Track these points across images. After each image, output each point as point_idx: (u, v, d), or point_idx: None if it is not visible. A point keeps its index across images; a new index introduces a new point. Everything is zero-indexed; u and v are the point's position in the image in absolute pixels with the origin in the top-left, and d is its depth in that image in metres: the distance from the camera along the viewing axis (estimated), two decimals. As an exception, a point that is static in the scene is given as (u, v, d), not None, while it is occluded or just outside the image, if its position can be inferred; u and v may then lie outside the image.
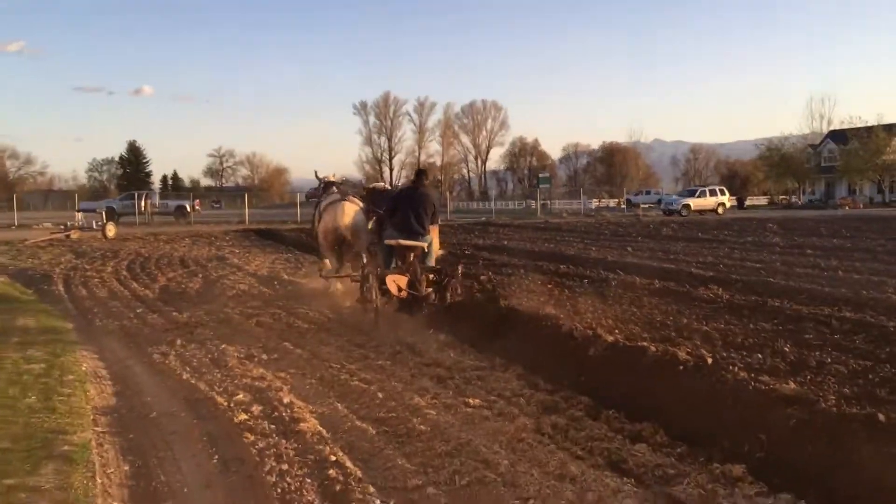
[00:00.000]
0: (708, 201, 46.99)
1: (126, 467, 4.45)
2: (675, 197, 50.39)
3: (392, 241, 9.10)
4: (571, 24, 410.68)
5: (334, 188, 11.39)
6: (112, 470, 4.37)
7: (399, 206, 9.24)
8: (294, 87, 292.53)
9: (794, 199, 70.68)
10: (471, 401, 5.52)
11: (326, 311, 9.89)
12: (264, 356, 7.26)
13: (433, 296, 9.05)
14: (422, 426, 4.95)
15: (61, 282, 13.89)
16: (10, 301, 11.21)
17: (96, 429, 5.08)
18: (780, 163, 66.74)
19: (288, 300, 11.00)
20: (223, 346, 7.72)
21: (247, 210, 42.70)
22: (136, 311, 10.24)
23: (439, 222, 10.32)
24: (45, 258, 19.54)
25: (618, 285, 11.31)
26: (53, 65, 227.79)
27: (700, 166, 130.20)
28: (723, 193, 48.51)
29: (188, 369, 6.78)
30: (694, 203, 46.47)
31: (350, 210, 10.50)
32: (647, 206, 70.23)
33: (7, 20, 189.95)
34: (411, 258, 9.04)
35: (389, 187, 12.02)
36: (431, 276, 9.21)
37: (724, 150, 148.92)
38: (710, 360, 5.88)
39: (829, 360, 6.30)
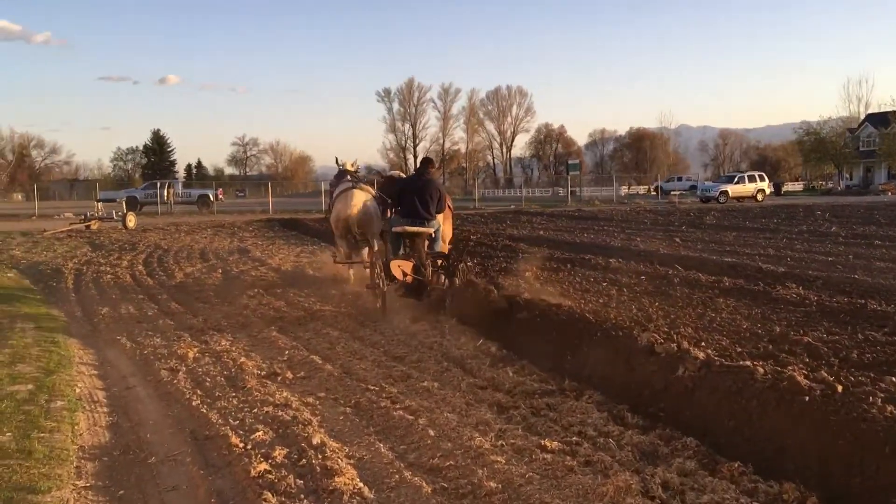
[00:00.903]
0: (747, 188, 45.19)
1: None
2: (712, 183, 48.59)
3: (398, 228, 9.21)
4: (597, 9, 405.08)
5: (348, 176, 11.25)
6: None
7: (405, 193, 9.40)
8: (318, 74, 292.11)
9: (832, 184, 68.34)
10: (547, 443, 4.39)
11: (358, 315, 8.80)
12: (289, 374, 6.18)
13: (442, 280, 9.10)
14: (490, 482, 3.83)
15: (72, 278, 12.95)
16: (12, 300, 10.25)
17: (77, 483, 4.02)
18: (819, 147, 64.45)
19: (314, 300, 9.95)
20: (242, 359, 6.66)
21: (270, 199, 41.80)
22: (147, 315, 9.22)
23: (452, 208, 10.59)
24: (61, 250, 18.68)
25: (681, 283, 10.11)
26: (79, 55, 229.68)
27: (730, 152, 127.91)
28: (762, 179, 46.60)
29: (200, 392, 5.72)
30: (732, 190, 44.72)
31: (360, 197, 10.35)
32: (678, 192, 68.48)
33: (34, 11, 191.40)
34: (419, 244, 9.13)
35: (405, 175, 11.60)
36: (440, 261, 9.30)
37: (752, 136, 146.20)
38: (839, 388, 4.70)
39: None
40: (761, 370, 5.07)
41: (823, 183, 70.36)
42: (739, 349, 6.19)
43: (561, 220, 28.43)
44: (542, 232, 21.47)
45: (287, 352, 6.99)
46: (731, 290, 9.42)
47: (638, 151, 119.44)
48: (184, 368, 6.45)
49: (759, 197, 44.83)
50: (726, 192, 44.32)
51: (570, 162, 61.85)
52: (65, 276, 13.13)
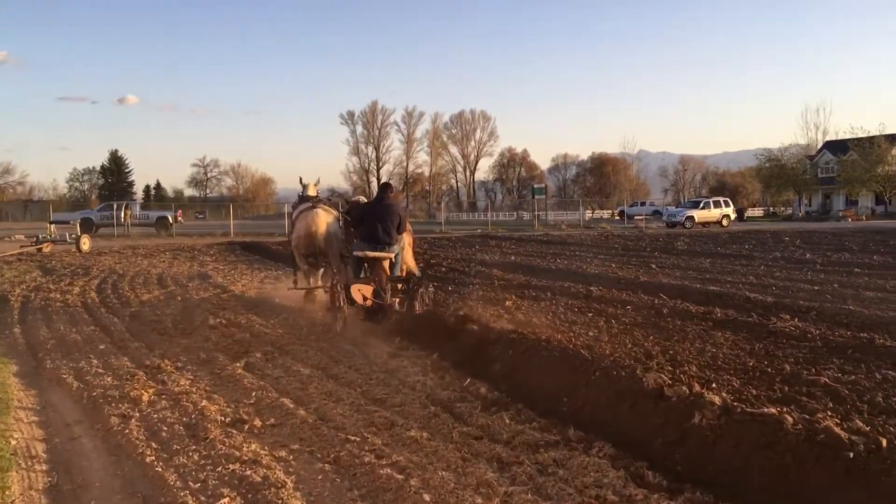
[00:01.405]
0: (712, 213, 45.43)
1: None
2: (678, 209, 48.81)
3: (359, 253, 9.33)
4: (558, 36, 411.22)
5: (310, 199, 11.24)
6: None
7: (366, 217, 9.53)
8: (280, 95, 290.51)
9: (792, 210, 69.27)
10: (563, 512, 3.79)
11: (330, 349, 8.12)
12: (257, 421, 5.49)
13: (400, 305, 9.33)
14: (504, 565, 3.21)
15: (18, 307, 12.02)
16: (-52, 333, 9.38)
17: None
18: (780, 173, 65.40)
19: (282, 332, 9.24)
20: (203, 403, 5.95)
21: (231, 221, 40.75)
22: (98, 349, 8.42)
23: (412, 232, 10.76)
24: (9, 275, 17.62)
25: (671, 314, 9.65)
26: (37, 75, 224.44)
27: (689, 177, 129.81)
28: (727, 205, 46.94)
29: (155, 444, 5.00)
30: (698, 215, 44.90)
31: (323, 217, 10.46)
32: (641, 217, 68.83)
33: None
34: (379, 268, 9.30)
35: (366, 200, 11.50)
36: (400, 285, 9.52)
37: (710, 162, 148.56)
38: (883, 441, 4.20)
39: None
40: (790, 419, 4.57)
41: (783, 209, 71.29)
42: (754, 391, 5.69)
43: (530, 244, 28.02)
44: (513, 257, 20.98)
45: (254, 393, 6.29)
46: (726, 323, 8.97)
47: (600, 176, 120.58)
48: (137, 414, 5.72)
49: (725, 222, 45.09)
50: (692, 217, 44.48)
51: (535, 186, 61.74)
52: (10, 305, 12.21)
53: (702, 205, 46.31)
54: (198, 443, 5.01)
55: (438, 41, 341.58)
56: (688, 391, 5.31)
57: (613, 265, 17.63)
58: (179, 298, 12.59)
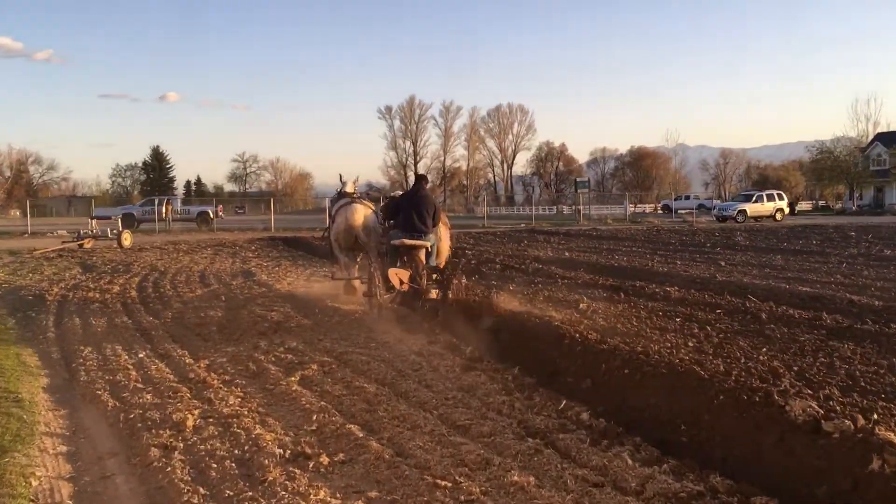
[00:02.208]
0: (765, 207, 43.62)
1: None
2: (729, 202, 47.01)
3: (397, 242, 9.41)
4: (597, 28, 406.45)
5: (347, 195, 11.54)
6: None
7: (401, 208, 9.70)
8: (318, 91, 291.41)
9: (843, 204, 66.61)
10: None
11: (395, 360, 7.21)
12: (323, 457, 4.57)
13: (436, 293, 9.45)
14: None
15: (55, 307, 11.35)
16: (-21, 338, 8.68)
17: None
18: (832, 166, 62.97)
19: (337, 338, 8.36)
20: (257, 430, 5.07)
21: (272, 216, 40.24)
22: (137, 357, 7.61)
23: (448, 224, 10.82)
24: (49, 272, 17.10)
25: (771, 319, 8.56)
26: (80, 72, 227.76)
27: (730, 171, 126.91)
28: (781, 199, 44.96)
29: (203, 488, 4.12)
30: (750, 209, 43.12)
31: (361, 211, 10.82)
32: (686, 211, 66.93)
33: (36, 29, 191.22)
34: (416, 256, 9.41)
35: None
36: (435, 275, 9.62)
37: (750, 155, 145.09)
38: None
39: None
40: None
41: (835, 203, 68.69)
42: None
43: (579, 239, 26.91)
44: (567, 253, 19.90)
45: (315, 416, 5.39)
46: (841, 331, 7.86)
47: (639, 170, 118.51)
48: (181, 445, 4.86)
49: (778, 216, 43.29)
50: (744, 211, 42.74)
51: (578, 180, 60.24)
52: (47, 305, 11.54)
53: (754, 198, 44.43)
54: (254, 486, 4.12)
55: (476, 35, 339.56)
56: (852, 426, 4.29)
57: (678, 262, 16.49)
58: (223, 298, 11.80)
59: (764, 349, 6.91)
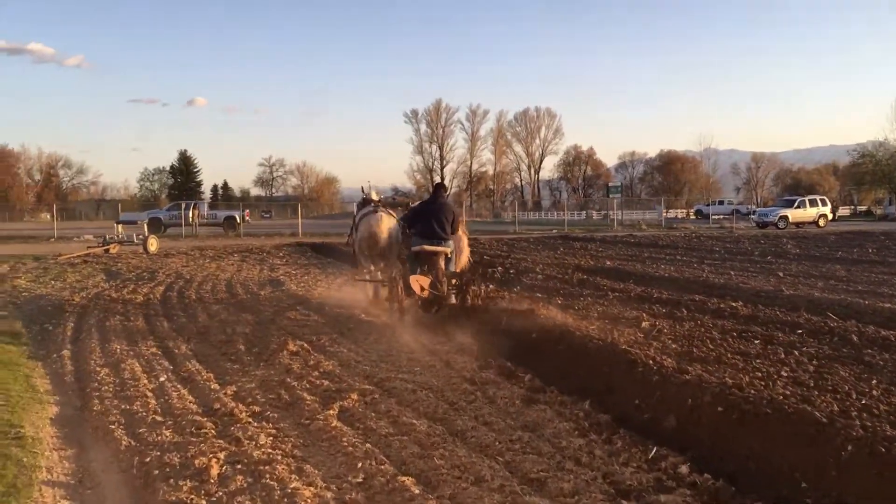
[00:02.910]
0: (808, 212, 42.13)
1: None
2: (770, 208, 45.59)
3: (417, 248, 9.63)
4: (625, 32, 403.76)
5: (372, 203, 11.84)
6: None
7: (422, 216, 9.87)
8: (345, 95, 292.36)
9: (885, 209, 64.48)
10: None
11: (445, 389, 6.38)
12: (375, 519, 3.76)
13: (454, 298, 9.62)
14: None
15: (74, 319, 10.69)
16: (-10, 354, 7.99)
17: None
18: (875, 170, 61.14)
19: (376, 360, 7.57)
20: (293, 481, 4.26)
21: (300, 221, 39.64)
22: (158, 381, 6.85)
23: (467, 232, 11.23)
24: (72, 279, 16.53)
25: (867, 343, 7.59)
26: (110, 78, 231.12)
27: (762, 175, 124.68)
28: (824, 204, 43.32)
29: (229, 568, 3.31)
30: (792, 214, 41.68)
31: (384, 220, 11.05)
32: (720, 216, 65.44)
33: (68, 35, 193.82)
34: (436, 263, 9.55)
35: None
36: (454, 280, 9.79)
37: (781, 159, 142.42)
38: None
39: None
40: None
41: (877, 208, 66.63)
42: None
43: (618, 246, 25.91)
44: (608, 262, 18.93)
45: (360, 464, 4.56)
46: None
47: (668, 174, 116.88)
48: (203, 501, 4.06)
49: (821, 222, 41.78)
50: (786, 217, 41.30)
51: (610, 185, 59.11)
52: (66, 316, 10.88)
53: (796, 204, 42.94)
54: (293, 566, 3.30)
55: (503, 38, 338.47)
56: None
57: (732, 273, 15.48)
58: (251, 312, 11.06)
59: (873, 381, 5.97)
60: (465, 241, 10.82)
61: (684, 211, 75.26)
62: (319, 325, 9.77)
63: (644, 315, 9.35)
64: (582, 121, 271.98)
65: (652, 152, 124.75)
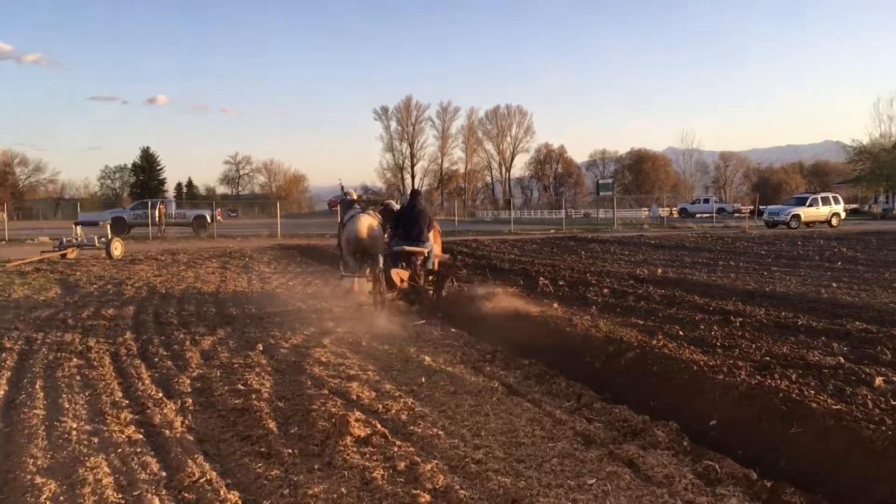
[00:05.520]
0: (820, 211, 39.97)
1: None
2: (780, 206, 43.58)
3: (398, 248, 10.84)
4: (595, 31, 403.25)
5: (356, 204, 12.56)
6: None
7: (402, 221, 11.21)
8: (312, 91, 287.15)
9: (881, 208, 62.83)
10: None
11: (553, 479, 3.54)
12: None
13: (432, 293, 10.75)
14: None
15: (13, 363, 7.60)
16: None
17: None
18: (873, 168, 59.52)
19: (505, 454, 4.70)
20: None
21: (279, 221, 36.38)
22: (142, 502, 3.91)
23: (440, 230, 12.48)
24: (18, 294, 13.37)
25: None
26: (69, 75, 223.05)
27: (731, 174, 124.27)
28: (836, 202, 41.38)
29: None
30: (804, 213, 39.57)
31: (368, 222, 11.54)
32: (702, 215, 63.61)
33: (25, 32, 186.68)
34: (415, 261, 10.86)
35: (396, 204, 13.09)
36: (430, 276, 11.07)
37: (750, 158, 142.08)
38: None
39: None
40: None
41: (870, 206, 65.08)
42: None
43: (643, 249, 23.32)
44: (659, 270, 16.26)
45: None
46: None
47: (638, 173, 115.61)
48: None
49: (834, 221, 39.73)
50: (798, 215, 39.18)
51: (600, 181, 56.92)
52: (1, 359, 7.78)
53: (808, 202, 40.85)
54: None
55: (474, 35, 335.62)
56: None
57: (835, 285, 12.86)
58: (261, 348, 8.07)
59: None
60: (437, 241, 11.88)
61: (668, 210, 73.26)
62: (369, 373, 6.82)
63: (762, 345, 6.68)
64: (553, 119, 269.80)
65: (623, 151, 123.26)
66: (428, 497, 3.93)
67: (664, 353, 6.46)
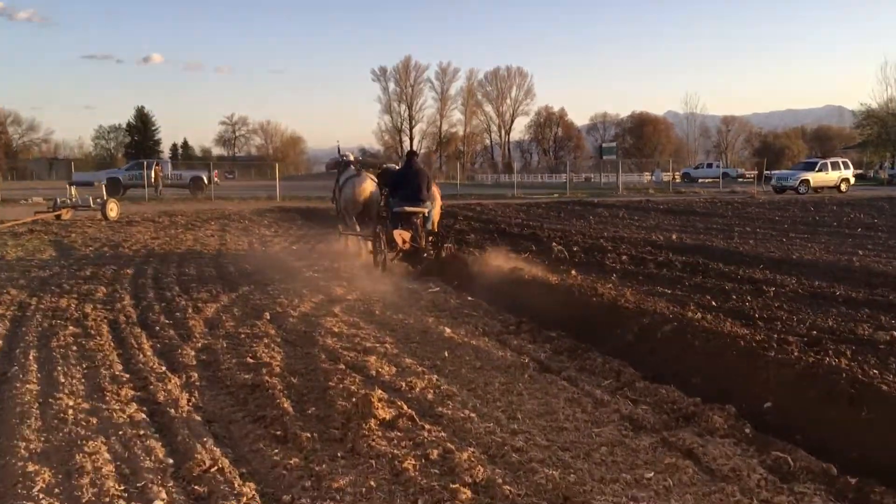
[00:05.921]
0: (830, 176, 39.29)
1: None
2: (789, 171, 42.83)
3: (399, 209, 10.69)
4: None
5: (352, 166, 12.67)
6: None
7: (401, 182, 11.05)
8: (309, 51, 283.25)
9: (890, 172, 62.04)
10: None
11: (598, 468, 3.11)
12: None
13: (432, 253, 10.87)
14: None
15: (5, 329, 7.14)
16: None
17: None
18: (882, 132, 58.63)
19: (546, 440, 4.26)
20: None
21: (278, 183, 35.71)
22: (149, 505, 3.46)
23: (440, 193, 12.23)
24: (12, 256, 12.89)
25: None
26: (62, 33, 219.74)
27: (732, 139, 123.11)
28: (846, 167, 40.72)
29: None
30: (814, 178, 38.93)
31: (367, 183, 11.97)
32: (704, 180, 62.94)
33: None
34: (415, 221, 10.81)
35: (397, 167, 12.71)
36: (430, 237, 11.10)
37: (749, 123, 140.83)
38: None
39: None
40: None
41: (877, 171, 64.31)
42: None
43: (654, 214, 22.83)
44: (674, 236, 15.80)
45: None
46: None
47: (639, 137, 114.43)
48: None
49: (843, 187, 39.13)
50: (807, 181, 38.56)
51: (604, 145, 55.90)
52: (-9, 328, 7.31)
53: (818, 167, 40.22)
54: None
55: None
56: None
57: (861, 252, 12.40)
58: (268, 317, 7.60)
59: None
60: (438, 201, 11.80)
61: (670, 174, 72.63)
62: (387, 346, 6.36)
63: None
64: (554, 81, 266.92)
65: (624, 114, 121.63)
66: (469, 493, 3.48)
67: (704, 326, 6.01)
